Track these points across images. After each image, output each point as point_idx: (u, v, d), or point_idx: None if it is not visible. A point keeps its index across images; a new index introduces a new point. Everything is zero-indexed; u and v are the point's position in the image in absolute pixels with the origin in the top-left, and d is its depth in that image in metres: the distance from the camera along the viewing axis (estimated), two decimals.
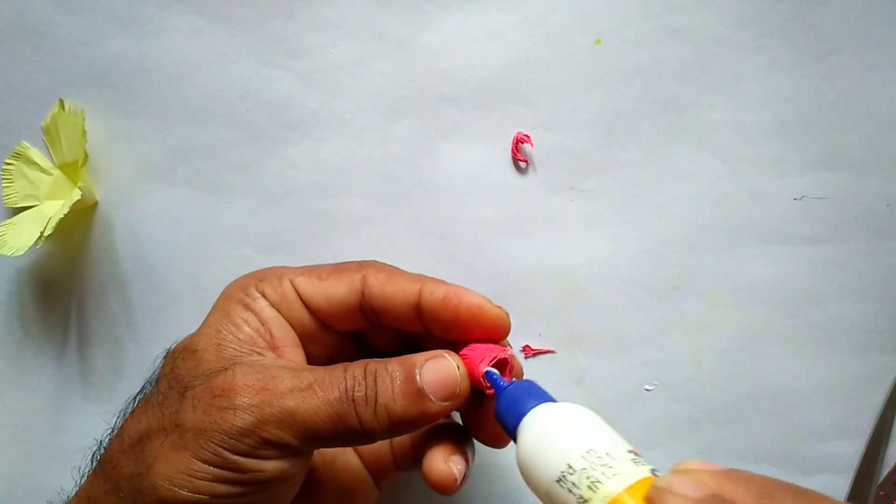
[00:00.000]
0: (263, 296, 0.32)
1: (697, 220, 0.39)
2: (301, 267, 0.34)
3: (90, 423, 0.41)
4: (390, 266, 0.33)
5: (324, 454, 0.34)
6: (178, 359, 0.31)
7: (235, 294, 0.32)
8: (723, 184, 0.39)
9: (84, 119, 0.39)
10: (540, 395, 0.28)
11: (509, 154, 0.40)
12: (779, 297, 0.39)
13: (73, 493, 0.31)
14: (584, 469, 0.24)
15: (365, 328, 0.33)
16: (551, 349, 0.40)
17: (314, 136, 0.40)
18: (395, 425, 0.29)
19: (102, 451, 0.31)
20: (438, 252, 0.40)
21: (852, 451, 0.39)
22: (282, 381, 0.28)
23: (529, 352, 0.40)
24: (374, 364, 0.29)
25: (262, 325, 0.31)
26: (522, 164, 0.40)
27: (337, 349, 0.34)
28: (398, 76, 0.40)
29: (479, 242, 0.40)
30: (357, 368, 0.29)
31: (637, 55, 0.39)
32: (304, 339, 0.33)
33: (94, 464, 0.31)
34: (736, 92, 0.39)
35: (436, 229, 0.40)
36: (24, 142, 0.41)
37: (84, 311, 0.41)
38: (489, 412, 0.30)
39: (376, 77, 0.40)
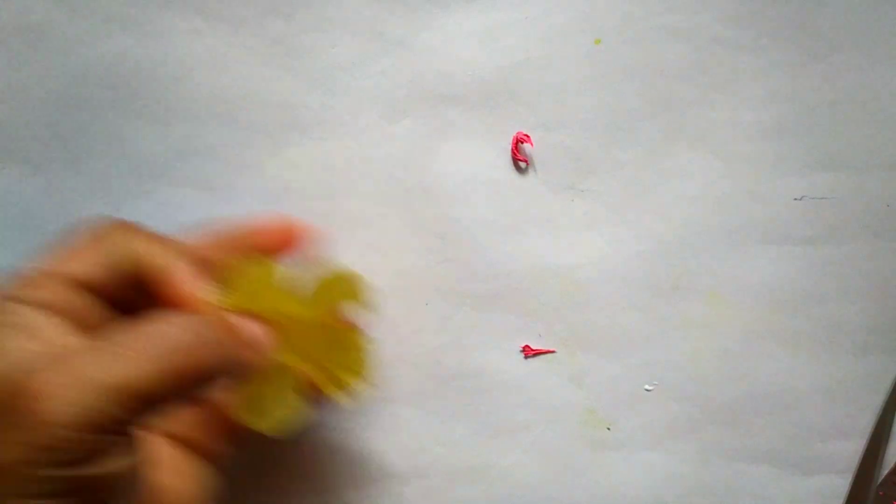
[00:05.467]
0: (28, 302, 0.27)
1: (697, 220, 0.39)
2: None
3: None
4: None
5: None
6: None
7: None
8: (723, 184, 0.39)
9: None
10: None
11: (509, 154, 0.40)
12: (779, 297, 0.39)
13: None
14: None
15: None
16: (551, 349, 0.40)
17: (314, 136, 0.40)
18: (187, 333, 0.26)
19: None
20: (438, 252, 0.40)
21: (852, 451, 0.39)
22: (73, 356, 0.24)
23: (529, 352, 0.40)
24: None
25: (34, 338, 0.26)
26: (522, 164, 0.40)
27: None
28: (398, 76, 0.40)
29: (479, 242, 0.40)
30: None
31: (637, 55, 0.39)
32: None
33: None
34: (736, 92, 0.39)
35: (436, 229, 0.40)
36: None
37: None
38: None
39: (376, 77, 0.40)
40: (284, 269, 0.32)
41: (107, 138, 0.41)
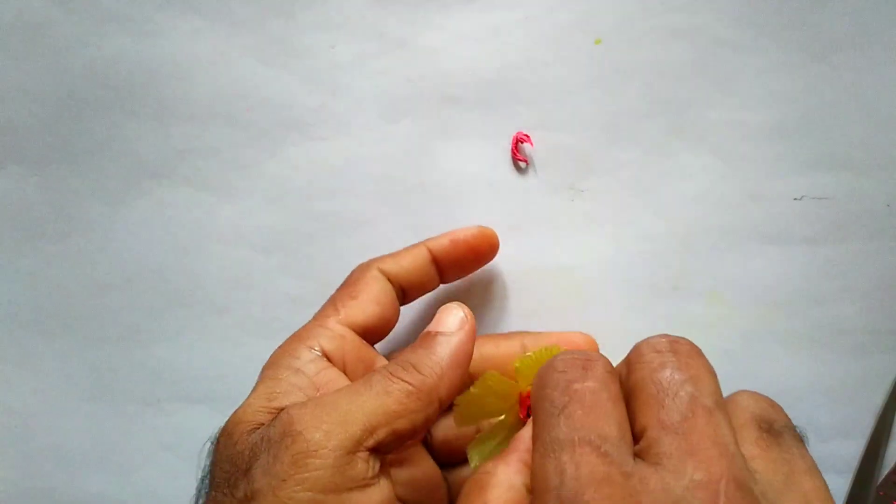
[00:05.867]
0: (320, 349, 0.32)
1: (697, 220, 0.39)
2: (328, 308, 0.34)
3: (90, 424, 0.41)
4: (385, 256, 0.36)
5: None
6: (223, 436, 0.29)
7: (282, 360, 0.31)
8: (723, 184, 0.39)
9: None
10: None
11: (509, 154, 0.40)
12: (779, 297, 0.39)
13: None
14: None
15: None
16: None
17: (314, 136, 0.40)
18: (434, 374, 0.29)
19: None
20: None
21: (852, 451, 0.39)
22: (331, 395, 0.28)
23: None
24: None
25: (316, 389, 0.30)
26: (522, 164, 0.40)
27: None
28: (398, 76, 0.40)
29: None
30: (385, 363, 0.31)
31: (637, 55, 0.39)
32: (370, 370, 0.33)
33: None
34: (736, 92, 0.39)
35: (436, 229, 0.40)
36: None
37: (84, 311, 0.41)
38: None
39: (376, 77, 0.40)
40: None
41: (107, 138, 0.41)
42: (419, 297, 0.37)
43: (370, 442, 0.27)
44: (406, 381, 0.29)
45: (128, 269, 0.41)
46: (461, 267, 0.37)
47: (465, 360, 0.31)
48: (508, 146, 0.40)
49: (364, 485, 0.26)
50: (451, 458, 0.35)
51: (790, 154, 0.39)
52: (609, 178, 0.40)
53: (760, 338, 0.39)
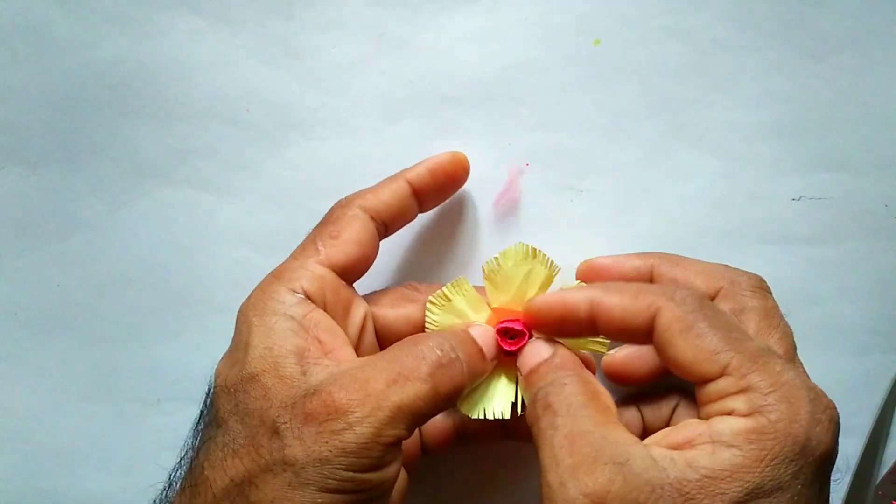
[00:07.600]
0: (303, 291, 0.32)
1: (697, 220, 0.40)
2: (308, 247, 0.34)
3: (90, 424, 0.42)
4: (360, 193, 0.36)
5: None
6: (239, 392, 0.29)
7: (268, 304, 0.31)
8: (722, 184, 0.39)
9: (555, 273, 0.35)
10: None
11: (508, 155, 0.40)
12: (778, 297, 0.39)
13: None
14: None
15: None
16: None
17: (314, 136, 0.40)
18: (473, 381, 0.31)
19: None
20: (438, 252, 0.40)
21: (851, 450, 0.39)
22: (376, 381, 0.28)
23: None
24: (439, 334, 0.31)
25: (307, 332, 0.31)
26: (522, 165, 0.40)
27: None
28: (398, 76, 0.40)
29: (479, 243, 0.40)
30: (432, 339, 0.30)
31: (637, 55, 0.39)
32: (347, 310, 0.34)
33: None
34: (735, 92, 0.39)
35: (436, 229, 0.40)
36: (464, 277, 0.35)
37: (84, 310, 0.41)
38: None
39: (376, 77, 0.40)
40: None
41: (106, 138, 0.41)
42: (400, 228, 0.37)
43: (407, 436, 0.28)
44: (452, 388, 0.29)
45: (128, 269, 0.41)
46: (439, 194, 0.38)
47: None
48: (508, 146, 0.40)
49: (389, 462, 0.28)
50: None
51: (788, 154, 0.39)
52: (609, 178, 0.40)
53: None
